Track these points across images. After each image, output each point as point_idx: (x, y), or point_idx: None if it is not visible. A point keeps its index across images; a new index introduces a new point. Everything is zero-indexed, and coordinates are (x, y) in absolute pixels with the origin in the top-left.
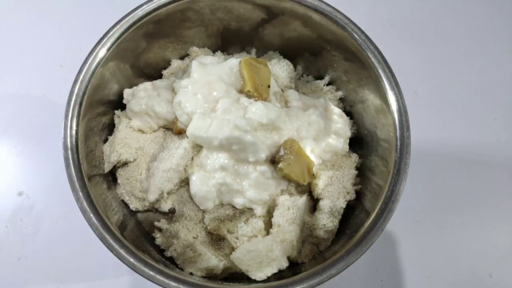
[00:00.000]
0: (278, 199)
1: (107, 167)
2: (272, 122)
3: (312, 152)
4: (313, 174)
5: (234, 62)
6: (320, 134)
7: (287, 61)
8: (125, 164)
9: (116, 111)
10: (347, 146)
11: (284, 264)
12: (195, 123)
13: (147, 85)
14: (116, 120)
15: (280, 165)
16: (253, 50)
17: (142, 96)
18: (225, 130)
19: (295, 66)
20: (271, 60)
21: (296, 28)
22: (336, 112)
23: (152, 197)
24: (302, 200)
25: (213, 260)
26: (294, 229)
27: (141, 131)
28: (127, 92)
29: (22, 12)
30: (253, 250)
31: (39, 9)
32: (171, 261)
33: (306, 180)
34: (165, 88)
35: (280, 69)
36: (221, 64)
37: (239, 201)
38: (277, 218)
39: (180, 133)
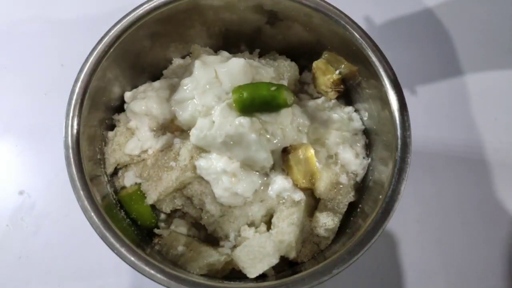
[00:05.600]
0: (278, 200)
1: (108, 168)
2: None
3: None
4: (313, 184)
5: (236, 61)
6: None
7: (293, 63)
8: (126, 165)
9: (114, 116)
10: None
11: (274, 260)
12: (199, 124)
13: (146, 86)
14: (116, 122)
15: (290, 155)
16: (256, 51)
17: (142, 97)
18: (229, 127)
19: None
20: (277, 61)
21: (297, 28)
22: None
23: (151, 200)
24: (302, 202)
25: (214, 255)
26: (293, 230)
27: (140, 132)
28: (127, 95)
29: (22, 11)
30: (247, 245)
31: (39, 7)
32: (172, 261)
33: (305, 184)
34: (165, 89)
35: (285, 70)
36: (224, 63)
37: (238, 201)
38: (276, 219)
39: (177, 131)
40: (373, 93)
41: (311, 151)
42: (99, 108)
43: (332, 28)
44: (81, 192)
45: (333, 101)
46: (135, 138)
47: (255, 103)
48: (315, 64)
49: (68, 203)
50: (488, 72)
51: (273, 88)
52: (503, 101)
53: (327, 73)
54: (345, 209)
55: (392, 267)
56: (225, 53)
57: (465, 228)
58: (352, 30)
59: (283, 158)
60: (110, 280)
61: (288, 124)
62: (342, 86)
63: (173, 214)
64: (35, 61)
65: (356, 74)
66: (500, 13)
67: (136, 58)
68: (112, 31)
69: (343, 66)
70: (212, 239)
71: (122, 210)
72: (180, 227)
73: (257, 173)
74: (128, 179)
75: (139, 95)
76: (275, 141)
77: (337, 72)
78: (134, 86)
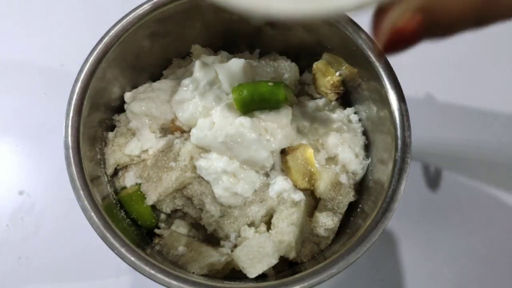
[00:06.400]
0: (278, 200)
1: (108, 169)
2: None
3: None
4: (313, 184)
5: (236, 62)
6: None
7: (293, 64)
8: (126, 165)
9: (114, 116)
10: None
11: (273, 261)
12: (199, 124)
13: (146, 86)
14: (116, 123)
15: (288, 156)
16: (257, 51)
17: (142, 98)
18: (230, 127)
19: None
20: (277, 61)
21: (297, 29)
22: (335, 117)
23: (151, 200)
24: (302, 202)
25: (215, 255)
26: (292, 230)
27: (140, 132)
28: (127, 96)
29: (22, 11)
30: (247, 245)
31: (39, 7)
32: (172, 261)
33: (304, 185)
34: (165, 89)
35: (285, 71)
36: (224, 64)
37: (238, 201)
38: (276, 219)
39: (177, 131)
40: (373, 93)
41: (310, 152)
42: (99, 108)
43: (332, 28)
44: (81, 192)
45: (333, 102)
46: (135, 139)
47: (255, 100)
48: (315, 65)
49: (68, 203)
50: (488, 72)
51: (272, 84)
52: (503, 101)
53: (327, 74)
54: (345, 209)
55: (392, 267)
56: (225, 54)
57: (465, 228)
58: (352, 30)
59: (282, 159)
60: (110, 280)
61: (288, 123)
62: (342, 88)
63: (173, 214)
64: (35, 61)
65: (356, 76)
66: None
67: (136, 58)
68: (112, 31)
69: (343, 67)
70: (212, 239)
71: (122, 210)
72: (181, 228)
73: (257, 173)
74: (129, 180)
75: (139, 95)
76: (275, 141)
77: (337, 73)
78: (134, 86)
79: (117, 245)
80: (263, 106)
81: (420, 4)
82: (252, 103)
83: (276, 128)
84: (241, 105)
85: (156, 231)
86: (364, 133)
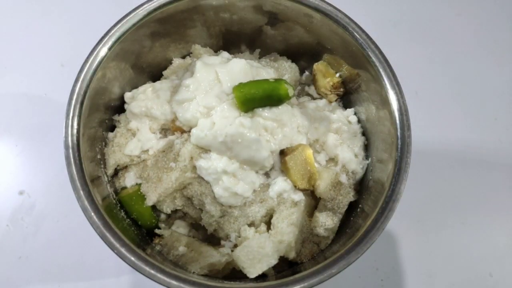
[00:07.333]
0: (279, 200)
1: (108, 169)
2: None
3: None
4: (312, 185)
5: (236, 62)
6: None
7: (293, 64)
8: (126, 166)
9: (114, 116)
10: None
11: (273, 261)
12: (200, 124)
13: (146, 87)
14: (116, 123)
15: (287, 157)
16: (257, 51)
17: (142, 98)
18: (230, 126)
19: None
20: (277, 62)
21: (297, 29)
22: (335, 117)
23: (150, 201)
24: (301, 202)
25: (215, 255)
26: (292, 230)
27: (141, 133)
28: (127, 96)
29: (23, 11)
30: (247, 246)
31: (40, 7)
32: (173, 261)
33: (303, 185)
34: (165, 90)
35: (286, 72)
36: (225, 64)
37: (238, 201)
38: (276, 219)
39: (178, 131)
40: (373, 93)
41: (309, 152)
42: (99, 109)
43: (332, 28)
44: (81, 192)
45: (333, 103)
46: (135, 139)
47: (256, 96)
48: (316, 66)
49: (68, 203)
50: (488, 72)
51: (273, 80)
52: (503, 101)
53: (327, 75)
54: (345, 209)
55: (392, 267)
56: (225, 54)
57: (465, 228)
58: (352, 30)
59: (281, 160)
60: (110, 280)
61: (288, 122)
62: (342, 89)
63: (173, 214)
64: (36, 61)
65: (356, 77)
66: (500, 13)
67: (136, 58)
68: (112, 31)
69: (343, 68)
70: (212, 239)
71: (122, 210)
72: (181, 228)
73: (257, 173)
74: (129, 180)
75: (139, 96)
76: (275, 141)
77: (338, 75)
78: (134, 86)
79: (117, 245)
80: (264, 103)
81: None
82: (253, 101)
83: (276, 127)
84: (242, 103)
85: (157, 231)
86: (364, 133)
